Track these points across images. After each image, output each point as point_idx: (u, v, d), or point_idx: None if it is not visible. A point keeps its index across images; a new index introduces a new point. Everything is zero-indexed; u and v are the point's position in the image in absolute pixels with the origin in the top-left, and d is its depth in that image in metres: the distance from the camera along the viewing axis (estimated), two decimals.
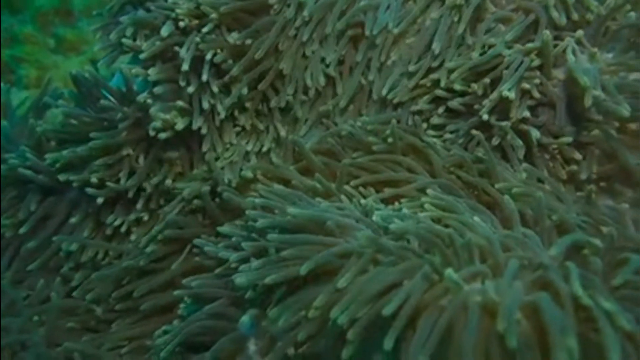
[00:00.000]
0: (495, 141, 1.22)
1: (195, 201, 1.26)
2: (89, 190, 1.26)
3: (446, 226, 0.95)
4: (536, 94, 1.19)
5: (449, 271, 0.79)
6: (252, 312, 0.99)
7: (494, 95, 1.19)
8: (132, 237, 1.29)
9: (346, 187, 1.18)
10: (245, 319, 0.99)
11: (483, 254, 0.87)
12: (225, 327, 1.04)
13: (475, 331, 0.74)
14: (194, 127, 1.27)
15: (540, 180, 1.17)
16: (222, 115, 1.28)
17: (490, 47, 1.23)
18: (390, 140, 1.21)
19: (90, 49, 2.26)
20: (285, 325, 0.89)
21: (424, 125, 1.28)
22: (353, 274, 0.83)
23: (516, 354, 0.75)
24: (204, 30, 1.26)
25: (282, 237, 0.95)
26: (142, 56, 1.26)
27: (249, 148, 1.32)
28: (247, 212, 1.06)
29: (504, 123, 1.20)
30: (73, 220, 1.30)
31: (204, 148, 1.28)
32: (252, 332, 1.01)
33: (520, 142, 1.20)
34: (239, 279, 0.93)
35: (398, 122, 1.27)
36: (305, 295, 0.88)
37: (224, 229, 1.16)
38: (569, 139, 1.18)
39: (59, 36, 2.28)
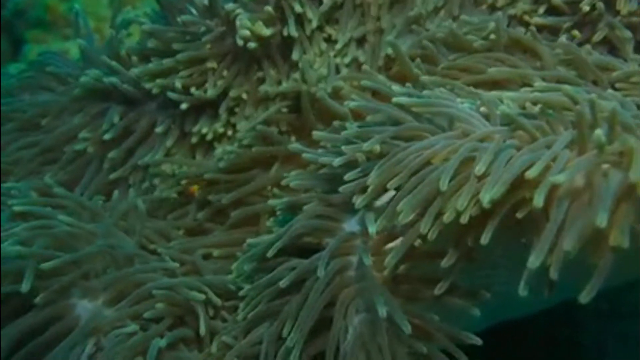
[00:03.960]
0: (598, 37, 1.15)
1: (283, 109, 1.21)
2: (172, 95, 1.23)
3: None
4: None
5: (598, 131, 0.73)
6: (366, 213, 0.93)
7: None
8: (217, 150, 1.25)
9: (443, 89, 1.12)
10: (359, 218, 0.94)
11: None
12: (331, 226, 0.99)
13: None
14: (290, 33, 1.21)
15: None
16: (314, 23, 1.22)
17: None
18: (492, 37, 1.14)
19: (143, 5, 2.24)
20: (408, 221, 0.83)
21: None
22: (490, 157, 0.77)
23: None
24: None
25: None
26: None
27: (337, 60, 1.26)
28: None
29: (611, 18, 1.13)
30: (158, 129, 1.27)
31: (295, 56, 1.23)
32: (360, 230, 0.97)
33: (630, 34, 1.13)
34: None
35: None
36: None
37: (321, 134, 1.11)
38: None
39: None
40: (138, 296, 0.97)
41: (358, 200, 0.88)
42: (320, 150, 1.08)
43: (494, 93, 0.94)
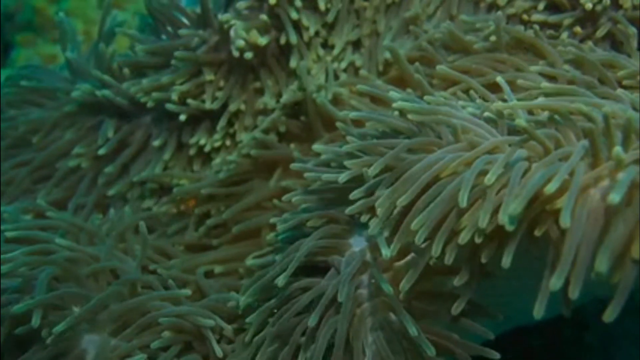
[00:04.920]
0: (600, 33, 1.13)
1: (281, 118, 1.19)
2: (171, 106, 1.20)
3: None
4: None
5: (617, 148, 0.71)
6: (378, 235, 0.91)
7: None
8: (215, 161, 1.22)
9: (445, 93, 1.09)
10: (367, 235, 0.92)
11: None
12: (338, 244, 0.97)
13: None
14: (289, 40, 1.19)
15: None
16: (312, 31, 1.20)
17: None
18: (493, 38, 1.11)
19: (134, 5, 2.20)
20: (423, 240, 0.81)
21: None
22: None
23: None
24: None
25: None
26: None
27: (335, 65, 1.24)
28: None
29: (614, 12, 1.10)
30: (155, 143, 1.24)
31: (292, 63, 1.20)
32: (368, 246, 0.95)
33: (634, 29, 1.11)
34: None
35: None
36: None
37: (321, 147, 1.08)
38: None
39: None
40: (144, 326, 0.95)
41: (371, 228, 0.86)
42: (322, 167, 1.06)
43: (502, 104, 0.92)
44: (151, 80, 1.20)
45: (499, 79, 0.95)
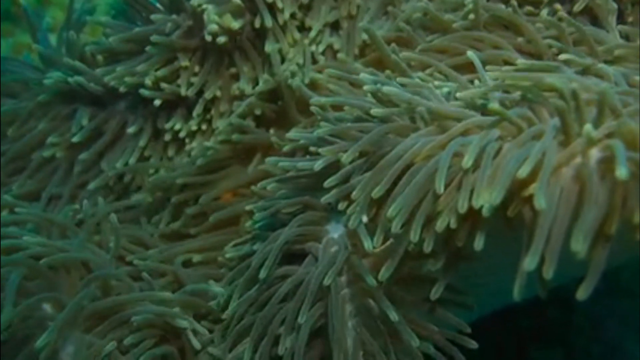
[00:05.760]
0: (578, 7, 1.10)
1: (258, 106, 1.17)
2: (144, 91, 1.17)
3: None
4: None
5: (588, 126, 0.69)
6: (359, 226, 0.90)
7: None
8: (188, 147, 1.20)
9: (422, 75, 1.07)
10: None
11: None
12: (315, 230, 0.96)
13: None
14: (264, 24, 1.15)
15: None
16: (287, 14, 1.17)
17: None
18: (472, 16, 1.09)
19: None
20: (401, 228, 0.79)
21: None
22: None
23: None
24: None
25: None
26: None
27: (313, 48, 1.21)
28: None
29: None
30: (130, 130, 1.22)
31: (268, 48, 1.17)
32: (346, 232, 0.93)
33: (615, 5, 1.08)
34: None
35: None
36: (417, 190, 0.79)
37: (294, 134, 1.06)
38: None
39: None
40: (118, 322, 0.93)
41: (350, 221, 0.85)
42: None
43: (476, 90, 0.90)
44: (126, 67, 1.17)
45: (470, 53, 0.95)
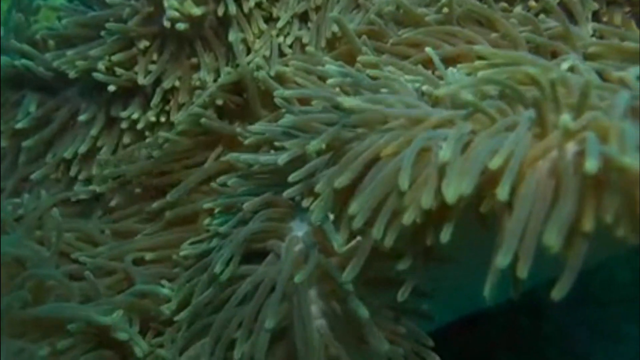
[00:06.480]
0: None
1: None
2: (98, 75, 1.10)
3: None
4: None
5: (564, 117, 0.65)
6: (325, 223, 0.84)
7: None
8: (148, 139, 1.13)
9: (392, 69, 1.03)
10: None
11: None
12: (277, 227, 0.90)
13: None
14: (228, 12, 1.10)
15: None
16: (252, 2, 1.12)
17: None
18: (445, 10, 1.05)
19: None
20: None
21: None
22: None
23: None
24: None
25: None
26: None
27: (280, 40, 1.16)
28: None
29: None
30: (81, 117, 1.15)
31: (231, 37, 1.12)
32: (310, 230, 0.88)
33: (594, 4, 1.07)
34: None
35: None
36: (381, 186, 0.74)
37: (257, 128, 1.01)
38: None
39: None
40: (52, 328, 0.85)
41: (314, 216, 0.79)
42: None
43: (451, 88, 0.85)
44: (78, 52, 1.11)
45: (429, 49, 0.94)
